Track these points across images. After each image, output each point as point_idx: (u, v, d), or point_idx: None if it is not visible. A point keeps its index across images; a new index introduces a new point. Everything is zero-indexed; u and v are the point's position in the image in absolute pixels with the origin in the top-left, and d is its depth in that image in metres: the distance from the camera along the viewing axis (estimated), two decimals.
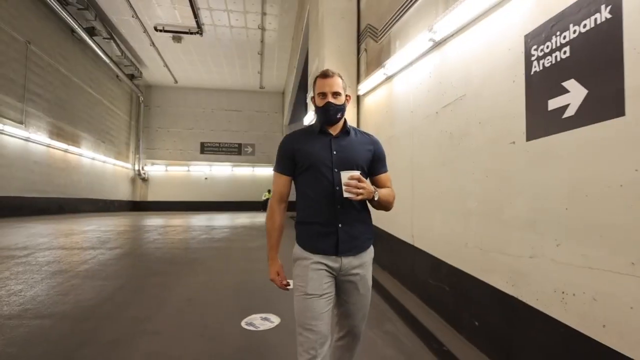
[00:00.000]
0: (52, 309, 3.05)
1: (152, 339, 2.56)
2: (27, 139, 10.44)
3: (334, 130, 1.63)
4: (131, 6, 12.21)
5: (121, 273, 4.25)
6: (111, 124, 16.74)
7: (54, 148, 11.87)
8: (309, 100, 7.63)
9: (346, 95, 1.63)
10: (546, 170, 1.78)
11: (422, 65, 3.16)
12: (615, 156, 1.44)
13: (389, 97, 3.97)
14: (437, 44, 2.86)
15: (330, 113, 1.57)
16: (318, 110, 1.61)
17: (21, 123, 10.13)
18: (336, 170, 1.54)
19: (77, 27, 12.05)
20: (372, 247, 1.65)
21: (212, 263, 4.92)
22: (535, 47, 1.86)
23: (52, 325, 2.73)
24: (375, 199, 1.51)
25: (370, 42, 4.69)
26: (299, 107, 15.86)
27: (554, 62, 1.73)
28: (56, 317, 2.87)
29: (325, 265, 1.53)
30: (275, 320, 2.91)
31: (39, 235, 6.40)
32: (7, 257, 4.65)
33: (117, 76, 16.52)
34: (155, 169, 20.02)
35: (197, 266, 4.71)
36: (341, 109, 1.60)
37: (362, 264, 1.57)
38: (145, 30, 13.68)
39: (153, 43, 14.63)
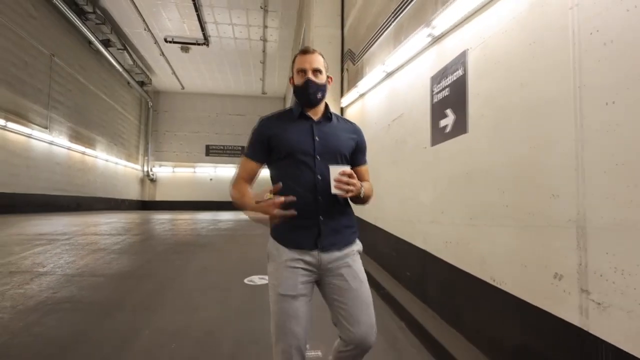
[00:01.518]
0: (101, 272, 4.06)
1: (178, 290, 3.58)
2: (51, 143, 11.51)
3: (315, 115, 1.49)
4: (143, 20, 13.29)
5: (148, 251, 5.27)
6: (122, 128, 17.83)
7: (73, 150, 12.95)
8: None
9: (328, 76, 1.50)
10: (439, 166, 2.78)
11: (381, 89, 4.17)
12: (463, 157, 2.44)
13: (361, 111, 4.98)
14: (389, 74, 3.87)
15: (310, 91, 1.43)
16: (297, 90, 1.47)
17: (46, 128, 11.20)
18: (318, 157, 1.42)
19: (94, 39, 13.15)
20: (358, 241, 1.51)
21: (220, 245, 5.94)
22: (435, 85, 2.86)
23: (105, 281, 3.74)
24: (362, 195, 1.40)
25: (350, 64, 5.70)
26: None
27: (442, 97, 2.73)
28: (107, 277, 3.89)
29: (302, 261, 1.39)
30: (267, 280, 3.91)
31: (72, 225, 7.44)
32: (54, 240, 5.67)
33: (129, 83, 17.62)
34: (162, 170, 21.09)
35: (208, 247, 5.72)
36: (322, 88, 1.46)
37: (347, 254, 1.43)
38: (155, 42, 14.76)
39: (163, 53, 15.72)
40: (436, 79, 2.83)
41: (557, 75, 1.60)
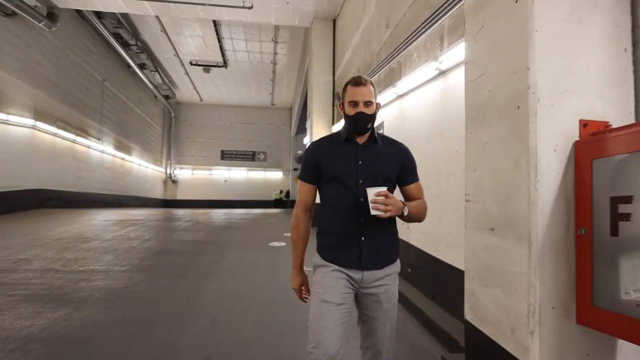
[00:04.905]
0: (180, 239, 6.63)
1: (233, 248, 6.15)
2: (102, 151, 14.18)
3: (361, 139, 1.56)
4: (174, 47, 15.92)
5: (203, 230, 7.85)
6: (150, 136, 20.52)
7: (117, 157, 15.62)
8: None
9: (377, 103, 1.55)
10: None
11: None
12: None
13: None
14: None
15: (361, 123, 1.50)
16: (348, 118, 1.53)
17: (99, 139, 13.86)
18: (361, 181, 1.48)
19: (133, 64, 15.82)
20: (398, 261, 1.57)
21: (247, 227, 8.53)
22: None
23: (180, 249, 6.31)
24: (405, 214, 1.44)
25: (337, 102, 8.24)
26: (303, 121, 19.47)
27: None
28: (185, 241, 6.45)
29: (346, 275, 1.48)
30: (283, 243, 6.46)
31: (132, 215, 10.03)
32: (132, 224, 8.25)
33: (156, 97, 20.30)
34: (183, 173, 23.78)
35: (240, 228, 8.30)
36: (372, 118, 1.52)
37: (386, 275, 1.51)
38: (182, 64, 17.40)
39: (187, 72, 18.36)
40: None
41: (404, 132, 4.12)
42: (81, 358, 2.54)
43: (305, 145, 11.22)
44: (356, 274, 1.48)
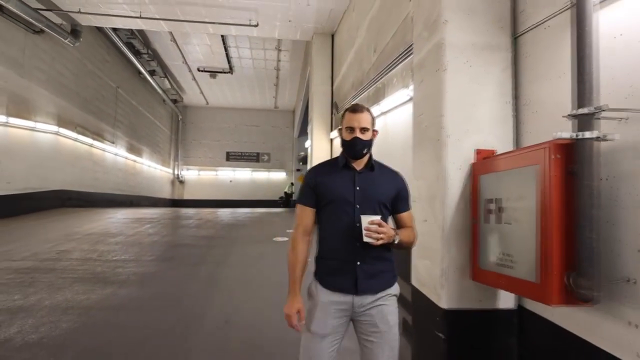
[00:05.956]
0: (187, 241, 7.45)
1: (240, 242, 6.99)
2: (116, 154, 15.07)
3: (358, 165, 1.63)
4: (182, 55, 16.79)
5: (213, 227, 8.70)
6: (159, 138, 21.43)
7: (129, 159, 16.52)
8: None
9: (373, 131, 1.62)
10: None
11: None
12: None
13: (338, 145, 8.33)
14: None
15: (357, 148, 1.57)
16: (344, 144, 1.61)
17: (113, 143, 14.75)
18: (358, 206, 1.55)
19: (143, 71, 16.70)
20: (396, 285, 1.62)
21: (253, 224, 9.38)
22: None
23: (195, 242, 7.15)
24: (396, 242, 1.51)
25: (335, 111, 9.04)
26: (305, 124, 20.30)
27: None
28: (198, 237, 7.29)
29: (336, 303, 1.54)
30: (285, 238, 7.28)
31: (151, 214, 10.90)
32: (149, 222, 9.09)
33: (164, 101, 21.19)
34: (189, 173, 24.69)
35: (246, 225, 9.14)
36: (368, 144, 1.59)
37: (380, 297, 1.55)
38: (190, 70, 18.26)
39: (194, 78, 19.22)
40: None
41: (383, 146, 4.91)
42: (133, 322, 3.37)
43: (307, 147, 12.01)
44: (346, 300, 1.54)
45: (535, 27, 2.21)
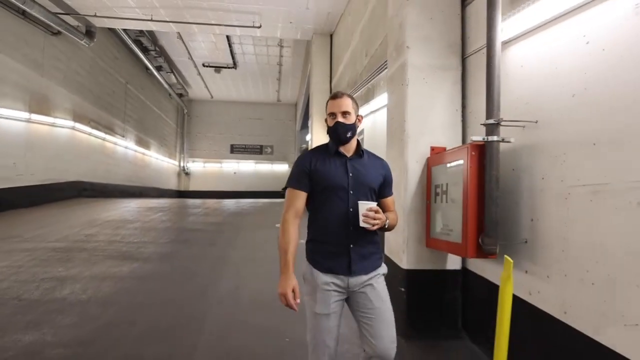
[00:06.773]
0: (197, 227, 8.17)
1: (247, 229, 7.71)
2: (126, 147, 15.80)
3: (348, 152, 1.71)
4: (188, 51, 17.40)
5: (220, 214, 9.42)
6: (165, 132, 22.14)
7: (138, 152, 17.26)
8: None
9: (357, 116, 1.69)
10: None
11: None
12: None
13: None
14: None
15: (339, 132, 1.63)
16: (329, 130, 1.68)
17: (123, 136, 15.47)
18: (351, 192, 1.63)
19: (151, 67, 17.34)
20: (384, 265, 1.75)
21: (257, 213, 10.10)
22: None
23: (205, 228, 7.87)
24: (386, 227, 1.64)
25: None
26: (307, 118, 20.92)
27: None
28: (207, 223, 8.01)
29: (334, 284, 1.63)
30: None
31: (162, 204, 11.64)
32: (160, 210, 9.82)
33: (170, 95, 21.87)
34: (195, 165, 25.44)
35: (251, 214, 9.85)
36: (350, 128, 1.65)
37: (372, 277, 1.67)
38: (195, 66, 18.88)
39: (199, 73, 19.84)
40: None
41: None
42: (159, 288, 4.10)
43: (308, 140, 12.63)
44: (342, 281, 1.63)
45: (476, 52, 2.86)
